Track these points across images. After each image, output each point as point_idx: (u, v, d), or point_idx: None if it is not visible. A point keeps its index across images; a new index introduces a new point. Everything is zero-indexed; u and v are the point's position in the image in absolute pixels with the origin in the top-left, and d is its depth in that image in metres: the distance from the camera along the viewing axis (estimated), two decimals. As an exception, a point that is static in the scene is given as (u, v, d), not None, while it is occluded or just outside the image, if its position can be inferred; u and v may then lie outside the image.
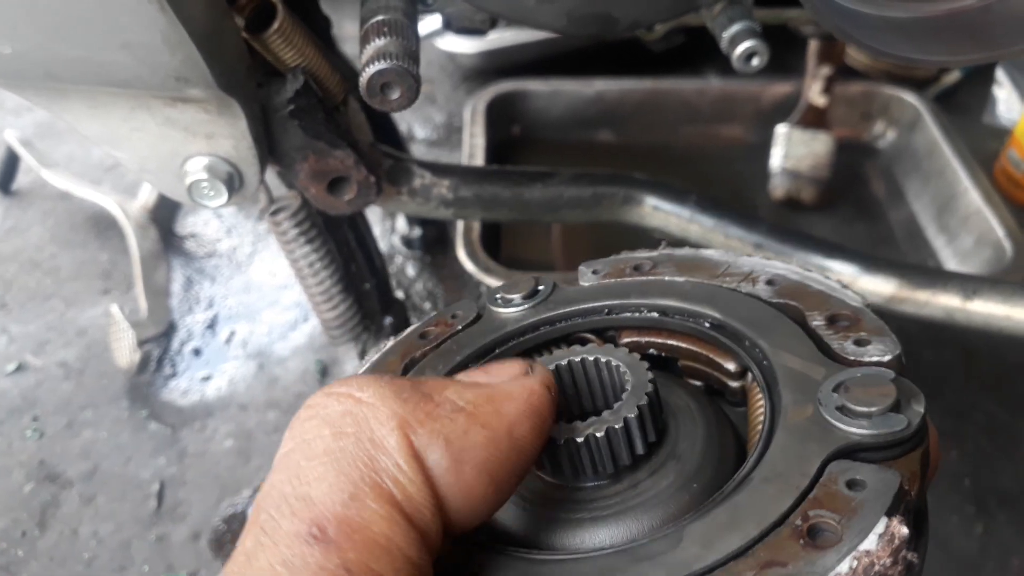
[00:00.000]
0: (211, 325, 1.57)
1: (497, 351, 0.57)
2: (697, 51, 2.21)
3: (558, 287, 0.60)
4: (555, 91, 1.92)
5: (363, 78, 0.61)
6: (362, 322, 1.09)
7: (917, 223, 1.76)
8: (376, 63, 0.60)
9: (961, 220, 1.63)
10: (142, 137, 0.77)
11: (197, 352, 1.52)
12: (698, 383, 0.57)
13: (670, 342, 0.57)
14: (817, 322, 0.50)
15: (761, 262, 0.57)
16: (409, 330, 0.60)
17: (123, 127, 0.77)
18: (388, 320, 1.16)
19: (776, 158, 1.82)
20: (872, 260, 0.91)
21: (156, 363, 1.49)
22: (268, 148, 0.82)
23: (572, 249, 1.68)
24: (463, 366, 0.54)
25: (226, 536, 1.24)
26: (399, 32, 0.62)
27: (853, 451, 0.41)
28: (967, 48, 0.60)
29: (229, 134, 0.77)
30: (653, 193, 0.97)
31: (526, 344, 0.58)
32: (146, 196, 1.68)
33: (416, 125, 2.09)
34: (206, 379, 1.47)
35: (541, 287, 0.60)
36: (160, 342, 1.52)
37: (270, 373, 1.47)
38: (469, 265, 1.44)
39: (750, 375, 0.52)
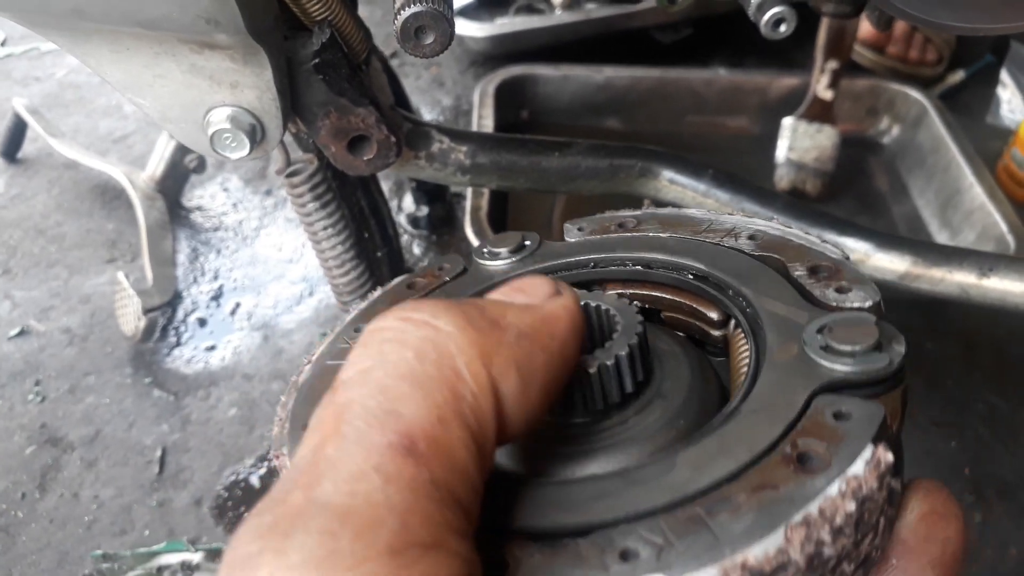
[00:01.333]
0: (216, 297, 1.57)
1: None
2: (704, 43, 2.23)
3: (544, 242, 0.61)
4: (564, 77, 1.93)
5: (398, 21, 0.61)
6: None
7: (920, 218, 1.77)
8: (411, 6, 0.60)
9: (964, 215, 1.65)
10: (165, 84, 0.77)
11: (202, 322, 1.52)
12: (681, 334, 0.58)
13: (654, 293, 0.59)
14: (799, 272, 0.51)
15: (743, 219, 0.59)
16: (397, 280, 0.61)
17: (146, 73, 0.77)
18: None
19: (781, 150, 1.83)
20: (886, 237, 0.91)
21: (160, 332, 1.49)
22: (291, 102, 0.82)
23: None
24: None
25: (227, 503, 1.24)
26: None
27: (838, 387, 0.42)
28: (1006, 15, 0.60)
29: (254, 84, 0.77)
30: (670, 166, 0.97)
31: None
32: (153, 167, 1.68)
33: (424, 108, 2.09)
34: (210, 349, 1.47)
35: (528, 242, 0.61)
36: (165, 311, 1.51)
37: (275, 345, 1.47)
38: (476, 244, 1.44)
39: (732, 324, 0.54)
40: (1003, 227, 1.51)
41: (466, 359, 0.36)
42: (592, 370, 0.45)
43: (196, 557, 1.18)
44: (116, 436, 1.33)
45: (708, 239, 0.57)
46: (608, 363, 0.45)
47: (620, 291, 0.59)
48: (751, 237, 0.56)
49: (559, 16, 2.11)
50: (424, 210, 1.69)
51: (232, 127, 0.79)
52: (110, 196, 1.78)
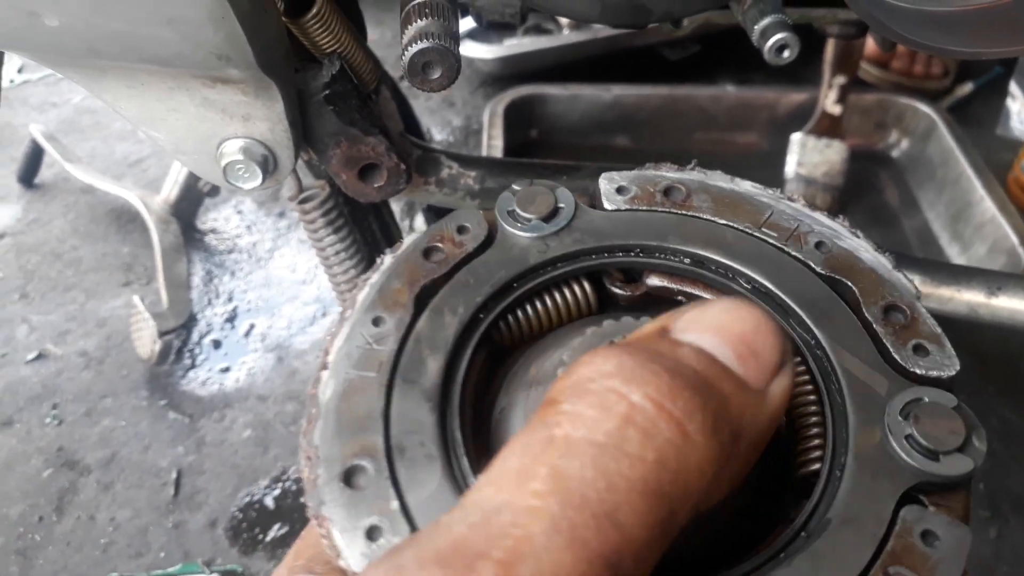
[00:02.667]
0: (231, 318, 1.59)
1: (517, 287, 0.52)
2: (712, 60, 2.23)
3: (580, 208, 0.54)
4: (573, 96, 1.94)
5: (405, 57, 0.62)
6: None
7: (931, 231, 1.77)
8: (418, 43, 0.62)
9: (975, 228, 1.64)
10: (179, 118, 0.79)
11: (217, 344, 1.53)
12: None
13: (703, 295, 0.53)
14: (873, 312, 0.48)
15: (807, 213, 0.54)
16: (409, 244, 0.53)
17: (160, 107, 0.78)
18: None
19: (791, 165, 1.83)
20: (895, 256, 0.91)
21: (176, 354, 1.51)
22: (303, 133, 0.83)
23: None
24: (484, 308, 0.50)
25: (242, 525, 1.25)
26: (440, 13, 0.63)
27: (921, 489, 0.41)
28: (1003, 40, 0.61)
29: (266, 116, 0.78)
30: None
31: (548, 280, 0.53)
32: (168, 191, 1.70)
33: (434, 128, 2.10)
34: (225, 371, 1.48)
35: (561, 205, 0.53)
36: (180, 334, 1.53)
37: (289, 366, 1.48)
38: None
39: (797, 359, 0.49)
40: (1014, 239, 1.51)
41: (699, 481, 0.32)
42: None
43: (212, 579, 1.19)
44: (132, 459, 1.34)
45: (770, 238, 0.52)
46: None
47: (667, 284, 0.54)
48: (818, 245, 0.51)
49: (567, 36, 2.12)
50: (435, 230, 1.71)
51: (245, 158, 0.80)
52: (125, 220, 1.80)
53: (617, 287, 0.55)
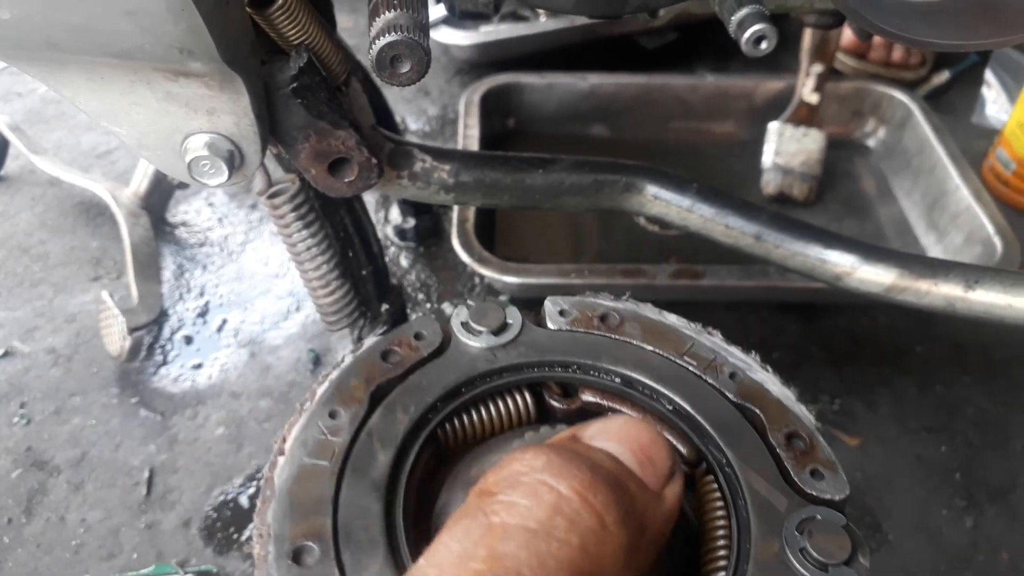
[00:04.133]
0: (202, 313, 1.56)
1: (465, 392, 0.57)
2: (689, 48, 2.22)
3: (527, 325, 0.61)
4: (550, 85, 1.92)
5: (372, 51, 0.60)
6: (358, 308, 1.08)
7: (907, 220, 1.77)
8: (386, 35, 0.60)
9: (951, 217, 1.65)
10: (142, 112, 0.76)
11: (188, 340, 1.51)
12: None
13: (631, 412, 0.59)
14: (777, 438, 0.54)
15: (722, 346, 0.61)
16: (370, 345, 0.60)
17: (122, 101, 0.76)
18: (385, 307, 1.15)
19: (768, 155, 1.83)
20: (872, 249, 0.91)
21: (147, 350, 1.48)
22: (270, 127, 0.81)
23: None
24: (434, 409, 0.55)
25: (216, 524, 1.23)
26: (409, 5, 0.61)
27: None
28: (982, 32, 0.60)
29: (231, 111, 0.76)
30: (654, 181, 0.96)
31: (493, 388, 0.58)
32: (137, 183, 1.67)
33: (410, 118, 2.08)
34: (197, 367, 1.46)
35: (511, 321, 0.60)
36: (151, 330, 1.50)
37: (263, 362, 1.46)
38: (464, 256, 1.44)
39: (703, 466, 0.56)
40: (990, 229, 1.52)
41: (614, 567, 0.37)
42: None
43: (185, 580, 1.17)
44: (103, 458, 1.32)
45: (691, 366, 0.58)
46: None
47: (598, 400, 0.60)
48: (732, 375, 0.58)
49: (544, 23, 2.10)
50: (411, 222, 1.69)
51: (210, 154, 0.78)
52: (94, 213, 1.76)
53: (555, 400, 0.61)
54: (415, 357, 0.58)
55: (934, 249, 1.66)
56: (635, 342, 0.60)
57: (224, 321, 1.54)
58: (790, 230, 0.94)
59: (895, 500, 1.28)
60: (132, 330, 1.41)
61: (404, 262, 1.67)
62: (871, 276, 0.89)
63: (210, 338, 1.51)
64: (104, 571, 1.19)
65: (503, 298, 1.52)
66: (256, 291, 1.60)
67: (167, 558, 1.20)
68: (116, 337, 1.41)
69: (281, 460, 0.52)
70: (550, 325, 0.61)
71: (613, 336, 0.60)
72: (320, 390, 0.56)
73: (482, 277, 1.57)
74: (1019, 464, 1.34)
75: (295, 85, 0.78)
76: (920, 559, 1.22)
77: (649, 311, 0.63)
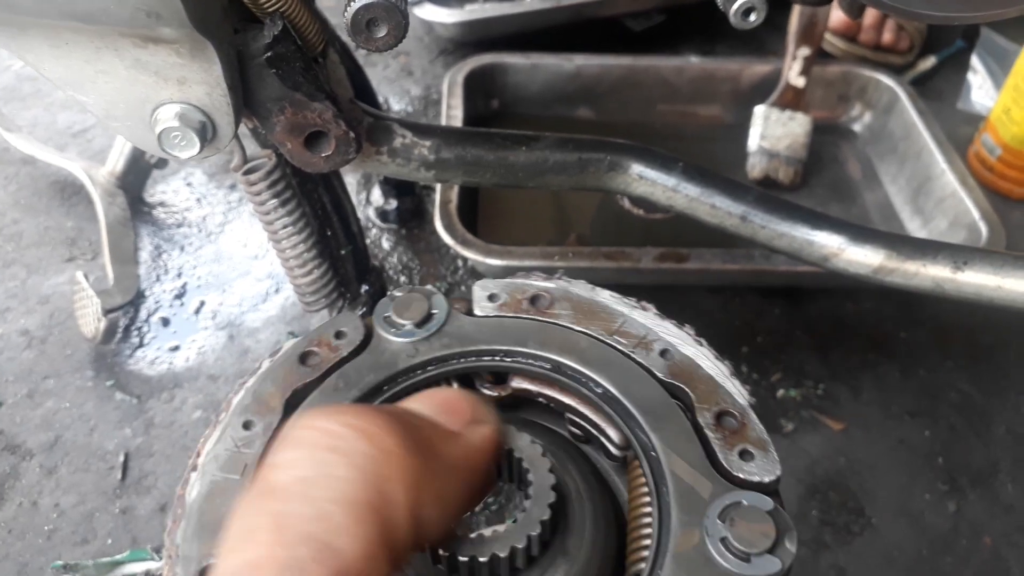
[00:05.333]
0: (180, 295, 1.53)
1: (386, 391, 0.55)
2: (676, 31, 2.20)
3: (452, 314, 0.58)
4: (534, 66, 1.90)
5: (348, 13, 0.58)
6: (337, 288, 1.06)
7: (892, 205, 1.77)
8: (362, -1, 0.57)
9: (936, 202, 1.64)
10: (109, 80, 0.73)
11: (165, 322, 1.48)
12: (583, 450, 0.59)
13: (560, 397, 0.58)
14: (706, 417, 0.51)
15: (656, 322, 0.58)
16: (288, 348, 0.57)
17: (88, 69, 0.73)
18: (364, 288, 1.13)
19: (754, 138, 1.82)
20: (860, 230, 0.90)
21: (122, 333, 1.45)
22: (244, 98, 0.78)
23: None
24: None
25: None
26: (386, -32, 0.59)
27: None
28: (980, 4, 0.59)
29: (203, 80, 0.74)
30: (639, 160, 0.95)
31: (416, 383, 0.56)
32: (114, 162, 1.63)
33: (392, 98, 2.05)
34: (174, 349, 1.43)
35: (435, 311, 0.58)
36: (127, 311, 1.47)
37: (241, 344, 1.43)
38: (447, 238, 1.42)
39: (631, 452, 0.54)
40: (975, 214, 1.51)
41: (402, 487, 0.36)
42: (503, 554, 0.44)
43: (160, 565, 1.15)
44: (77, 442, 1.29)
45: (620, 344, 0.56)
46: (519, 546, 0.44)
47: (528, 386, 0.59)
48: (663, 353, 0.55)
49: (530, 3, 2.07)
50: (393, 203, 1.66)
51: (181, 125, 0.75)
52: (70, 192, 1.73)
53: (487, 388, 0.59)
54: (334, 358, 0.55)
55: (919, 233, 1.66)
56: (565, 324, 0.58)
57: (202, 303, 1.51)
58: (777, 210, 0.93)
59: (878, 484, 1.28)
60: (107, 312, 1.38)
61: (386, 244, 1.64)
62: (859, 257, 0.88)
63: (187, 320, 1.48)
64: (78, 556, 1.17)
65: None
66: (235, 272, 1.57)
67: (142, 543, 1.18)
68: (91, 319, 1.38)
69: (193, 476, 0.50)
70: (477, 312, 0.59)
71: (542, 319, 0.58)
72: (235, 400, 0.54)
73: (465, 260, 1.55)
74: (1001, 449, 1.33)
75: (269, 54, 0.75)
76: (902, 543, 1.22)
77: (581, 288, 0.61)
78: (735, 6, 0.67)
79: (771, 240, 0.92)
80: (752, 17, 0.68)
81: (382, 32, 0.59)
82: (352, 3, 0.58)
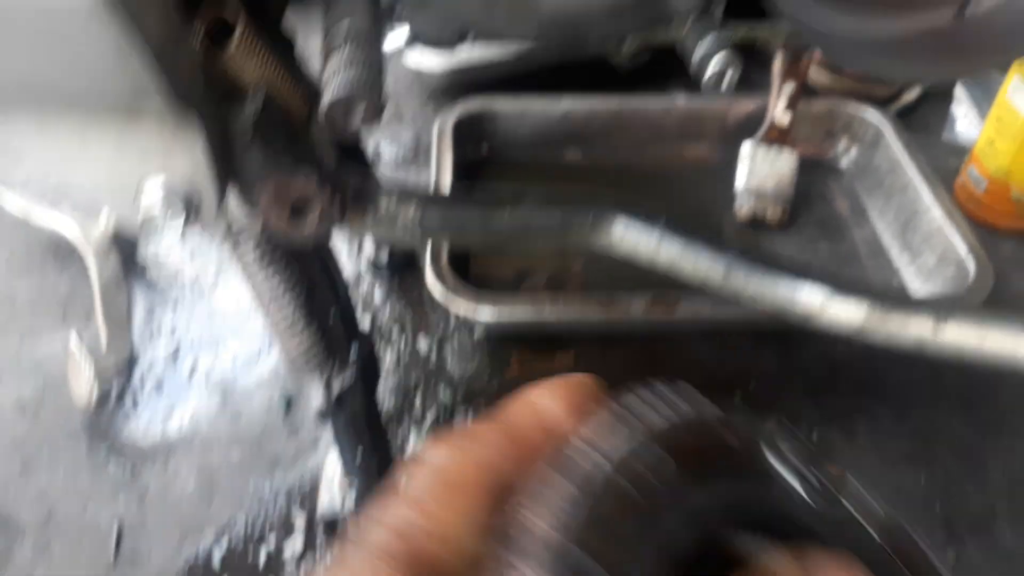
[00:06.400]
0: (173, 356, 1.53)
1: None
2: (663, 69, 2.21)
3: None
4: (523, 110, 1.91)
5: (323, 102, 0.59)
6: (326, 350, 1.06)
7: (880, 242, 1.77)
8: (337, 85, 0.58)
9: (924, 238, 1.64)
10: (95, 159, 0.74)
11: (159, 386, 1.47)
12: None
13: None
14: None
15: None
16: None
17: (74, 148, 0.74)
18: (354, 348, 1.13)
19: (741, 177, 1.83)
20: (842, 284, 0.90)
21: (116, 398, 1.44)
22: (228, 170, 0.79)
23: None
24: None
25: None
26: (361, 48, 0.60)
27: None
28: (939, 65, 0.60)
29: (187, 155, 0.74)
30: (622, 217, 0.95)
31: None
32: (107, 221, 1.63)
33: (384, 143, 2.06)
34: (168, 414, 1.42)
35: None
36: (121, 375, 1.47)
37: (234, 407, 1.42)
38: (437, 290, 1.42)
39: None
40: (962, 251, 1.51)
41: None
42: None
43: (155, 636, 1.13)
44: (70, 516, 1.27)
45: None
46: None
47: None
48: None
49: (518, 47, 2.09)
50: (385, 254, 1.67)
51: (166, 199, 0.76)
52: (63, 252, 1.73)
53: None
54: None
55: (908, 270, 1.66)
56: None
57: (196, 363, 1.51)
58: (759, 265, 0.92)
59: (880, 527, 1.26)
60: (101, 376, 1.38)
61: (378, 296, 1.64)
62: (843, 314, 0.89)
63: (181, 383, 1.48)
64: (71, 631, 1.15)
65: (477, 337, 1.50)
66: (228, 330, 1.57)
67: (136, 614, 1.16)
68: (85, 384, 1.38)
69: None
70: None
71: None
72: None
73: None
74: (998, 493, 1.32)
75: (252, 128, 0.76)
76: (907, 587, 1.20)
77: None
78: (705, 77, 0.68)
79: (756, 300, 0.93)
80: (724, 84, 0.69)
81: (357, 117, 0.60)
82: (326, 91, 0.58)
